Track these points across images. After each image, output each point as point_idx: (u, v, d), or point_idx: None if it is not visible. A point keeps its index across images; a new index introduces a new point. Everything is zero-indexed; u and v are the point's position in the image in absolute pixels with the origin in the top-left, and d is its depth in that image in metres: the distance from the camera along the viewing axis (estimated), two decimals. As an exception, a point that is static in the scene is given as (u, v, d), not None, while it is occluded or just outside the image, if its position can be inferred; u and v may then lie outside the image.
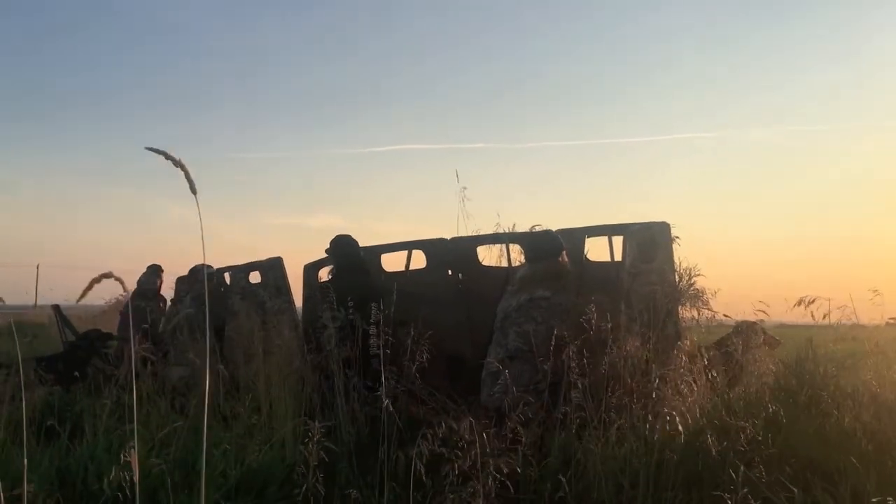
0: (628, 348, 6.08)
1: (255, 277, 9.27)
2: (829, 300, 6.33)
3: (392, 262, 9.07)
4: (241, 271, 9.35)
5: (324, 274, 8.57)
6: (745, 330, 6.82)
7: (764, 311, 6.54)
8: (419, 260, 8.79)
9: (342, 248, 8.35)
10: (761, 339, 6.77)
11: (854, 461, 4.27)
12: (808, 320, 6.41)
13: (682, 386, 5.75)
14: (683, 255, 7.22)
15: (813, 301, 6.37)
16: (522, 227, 8.21)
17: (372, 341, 5.63)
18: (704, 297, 7.10)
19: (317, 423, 4.04)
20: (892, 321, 6.62)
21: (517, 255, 8.25)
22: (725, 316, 6.82)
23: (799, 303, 6.34)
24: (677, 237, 7.13)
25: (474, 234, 8.57)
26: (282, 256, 9.10)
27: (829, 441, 4.70)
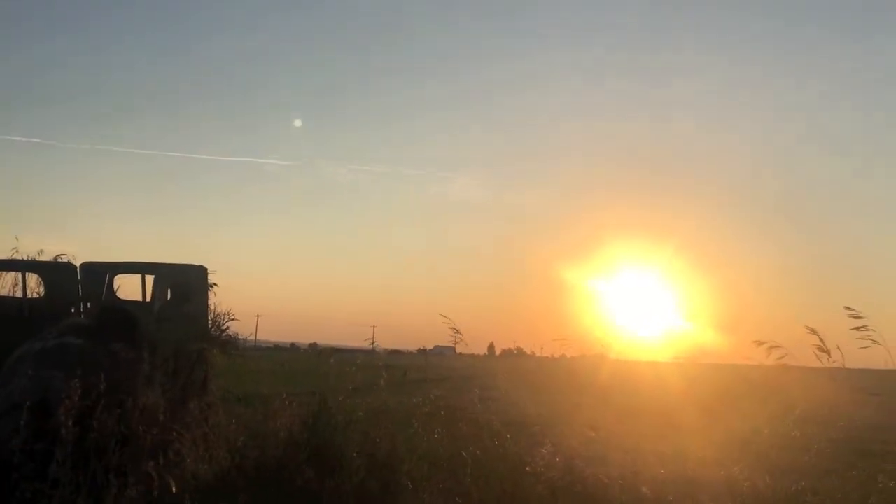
0: (146, 401, 5.69)
1: None
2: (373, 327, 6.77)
3: None
4: None
5: None
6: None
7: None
8: None
9: None
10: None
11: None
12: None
13: (199, 441, 5.56)
14: (220, 300, 7.15)
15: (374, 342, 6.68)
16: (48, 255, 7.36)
17: None
18: (237, 341, 7.10)
19: None
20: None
21: (36, 284, 7.29)
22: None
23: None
24: (215, 283, 7.02)
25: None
26: None
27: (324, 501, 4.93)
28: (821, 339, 5.75)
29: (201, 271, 6.94)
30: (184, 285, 6.73)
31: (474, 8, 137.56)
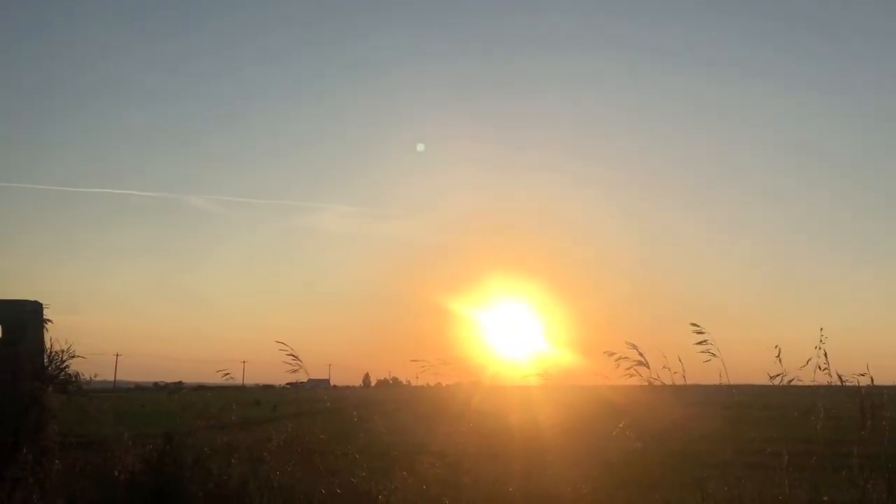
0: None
1: None
2: (243, 362, 6.58)
3: None
4: None
5: None
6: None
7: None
8: None
9: None
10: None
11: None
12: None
13: (33, 488, 5.21)
14: (58, 336, 6.73)
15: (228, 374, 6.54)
16: None
17: None
18: (78, 380, 6.73)
19: None
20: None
21: None
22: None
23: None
24: (49, 319, 6.58)
25: None
26: None
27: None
28: (640, 353, 6.14)
29: (36, 307, 6.50)
30: (16, 322, 6.27)
31: (348, 34, 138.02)
